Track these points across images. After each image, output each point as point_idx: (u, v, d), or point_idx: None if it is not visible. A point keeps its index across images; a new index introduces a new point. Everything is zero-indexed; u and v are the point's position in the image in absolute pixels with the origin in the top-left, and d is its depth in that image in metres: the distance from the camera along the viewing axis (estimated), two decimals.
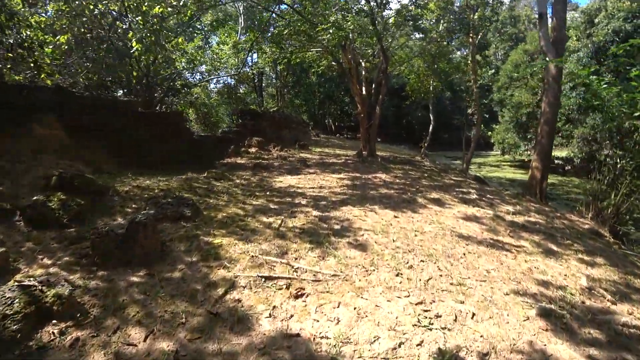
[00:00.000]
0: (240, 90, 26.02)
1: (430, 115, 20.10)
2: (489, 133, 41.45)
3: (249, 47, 15.35)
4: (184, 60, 14.04)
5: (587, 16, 29.27)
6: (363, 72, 16.40)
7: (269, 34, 14.58)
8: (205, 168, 11.43)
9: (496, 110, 34.87)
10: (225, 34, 16.06)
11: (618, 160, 8.97)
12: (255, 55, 21.62)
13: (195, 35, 16.10)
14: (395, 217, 6.64)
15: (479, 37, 17.01)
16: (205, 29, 16.27)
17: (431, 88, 20.01)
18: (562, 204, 17.87)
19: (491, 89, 41.62)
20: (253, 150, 15.13)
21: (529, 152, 27.58)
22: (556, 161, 26.53)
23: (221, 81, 19.68)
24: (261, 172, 10.82)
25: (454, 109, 40.40)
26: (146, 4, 9.12)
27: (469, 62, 17.54)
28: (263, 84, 32.45)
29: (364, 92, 15.34)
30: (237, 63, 17.38)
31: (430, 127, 19.87)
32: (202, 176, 9.14)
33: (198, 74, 17.23)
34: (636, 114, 7.38)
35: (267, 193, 7.82)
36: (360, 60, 17.10)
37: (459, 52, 21.02)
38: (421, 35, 19.84)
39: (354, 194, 8.36)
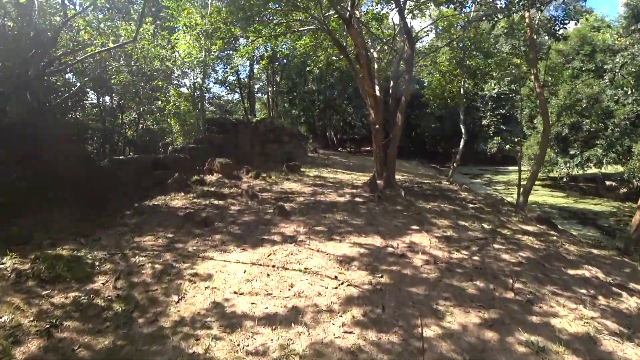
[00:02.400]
0: (223, 96, 20.60)
1: (462, 127, 14.47)
2: (508, 147, 35.79)
3: (211, 30, 9.89)
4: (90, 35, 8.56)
5: (632, 10, 23.77)
6: (375, 66, 10.90)
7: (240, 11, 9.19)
8: (95, 223, 5.94)
9: (520, 121, 29.21)
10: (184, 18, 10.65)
11: None
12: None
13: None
14: None
15: (542, 12, 11.48)
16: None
17: (462, 91, 14.45)
18: None
19: (508, 96, 36.13)
20: (212, 178, 9.61)
21: (568, 171, 21.86)
22: (607, 182, 20.82)
23: (189, 82, 14.28)
24: (187, 238, 5.25)
25: (465, 119, 34.83)
26: None
27: (524, 50, 12.00)
28: (256, 91, 27.08)
29: (378, 93, 9.83)
30: (200, 56, 11.98)
31: (462, 143, 14.27)
32: (21, 268, 3.64)
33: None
34: None
35: None
36: (372, 51, 11.62)
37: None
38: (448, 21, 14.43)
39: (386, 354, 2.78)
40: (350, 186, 9.98)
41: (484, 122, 35.61)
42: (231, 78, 24.07)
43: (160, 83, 12.07)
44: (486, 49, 13.47)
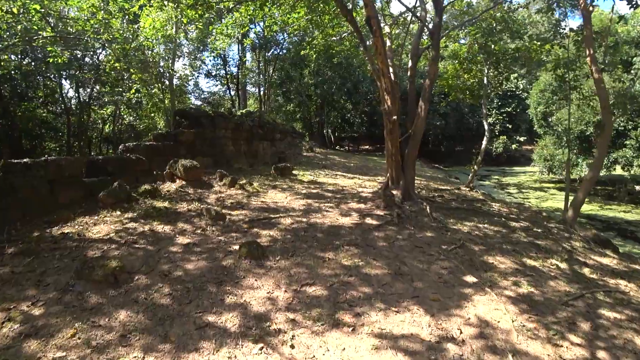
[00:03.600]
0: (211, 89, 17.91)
1: (484, 123, 11.84)
2: (514, 146, 33.50)
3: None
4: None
5: None
6: (388, 43, 8.35)
7: None
8: None
9: (531, 120, 26.73)
10: None
11: None
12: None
13: None
14: None
15: None
16: None
17: (485, 81, 11.93)
18: None
19: (515, 93, 33.81)
20: (172, 187, 7.03)
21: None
22: (637, 187, 18.41)
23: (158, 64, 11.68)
24: (64, 320, 2.66)
25: (476, 116, 32.56)
26: None
27: (570, 29, 9.55)
28: (247, 84, 24.42)
29: (392, 76, 7.28)
30: (168, 30, 9.42)
31: (484, 142, 11.70)
32: None
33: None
34: None
35: None
36: (383, 24, 9.08)
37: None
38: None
39: None
40: (356, 197, 7.43)
41: (489, 120, 32.95)
42: (222, 72, 21.51)
43: (118, 65, 9.45)
44: (516, 29, 10.95)
